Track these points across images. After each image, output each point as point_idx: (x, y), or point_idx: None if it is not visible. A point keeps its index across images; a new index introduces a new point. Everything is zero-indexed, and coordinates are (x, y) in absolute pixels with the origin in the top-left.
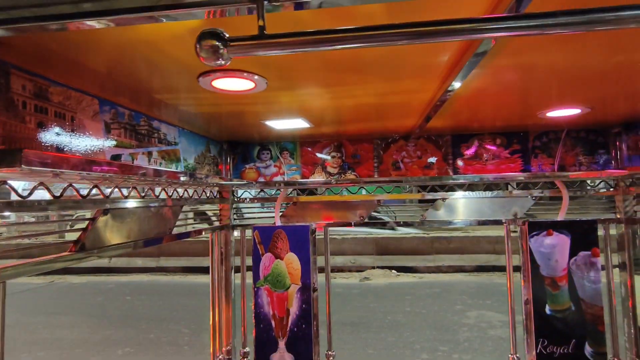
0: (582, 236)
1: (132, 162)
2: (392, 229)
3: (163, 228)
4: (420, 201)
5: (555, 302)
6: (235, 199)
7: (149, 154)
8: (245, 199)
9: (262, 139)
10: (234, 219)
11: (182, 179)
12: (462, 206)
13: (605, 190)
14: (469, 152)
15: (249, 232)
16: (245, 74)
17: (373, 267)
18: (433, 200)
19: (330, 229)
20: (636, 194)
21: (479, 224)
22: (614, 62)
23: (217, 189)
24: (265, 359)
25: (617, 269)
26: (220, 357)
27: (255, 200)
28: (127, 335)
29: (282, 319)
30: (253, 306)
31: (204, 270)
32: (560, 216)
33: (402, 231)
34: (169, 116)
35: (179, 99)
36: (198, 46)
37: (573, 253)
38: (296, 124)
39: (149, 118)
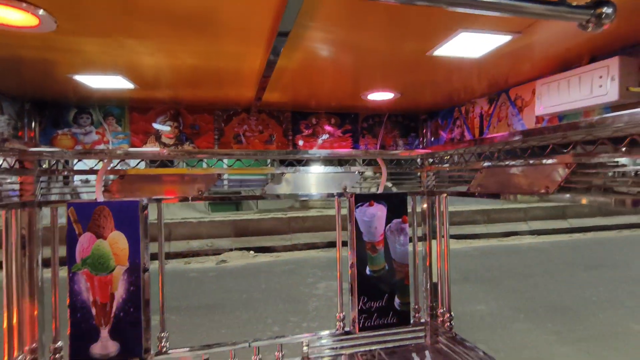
0: (396, 206)
1: None
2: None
3: None
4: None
5: (374, 264)
6: (49, 171)
7: None
8: (58, 170)
9: (80, 100)
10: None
11: None
12: (299, 180)
13: (415, 167)
14: (307, 129)
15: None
16: (23, 4)
17: (231, 250)
18: (273, 175)
19: (184, 215)
20: (435, 171)
21: (314, 196)
22: (421, 52)
23: (15, 157)
24: (84, 351)
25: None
26: (20, 358)
27: (71, 173)
28: None
29: (105, 305)
30: (68, 295)
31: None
32: (380, 189)
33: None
34: None
35: None
36: None
37: (388, 220)
38: (118, 83)
39: None
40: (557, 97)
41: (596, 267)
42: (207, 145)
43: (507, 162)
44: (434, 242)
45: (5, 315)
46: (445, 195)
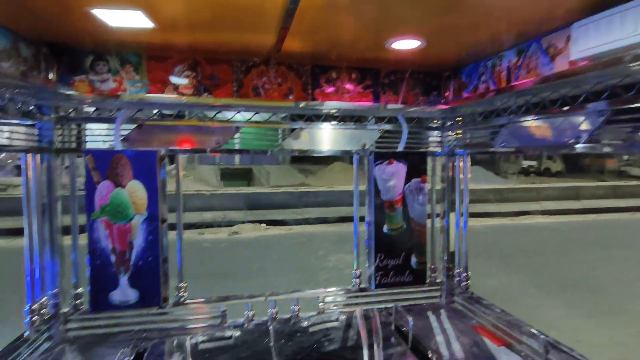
0: (416, 165)
1: None
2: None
3: None
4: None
5: (392, 222)
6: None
7: None
8: (75, 117)
9: (97, 46)
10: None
11: None
12: (318, 137)
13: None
14: (327, 83)
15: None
16: None
17: (243, 222)
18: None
19: (197, 187)
20: (457, 130)
21: (332, 153)
22: None
23: (33, 103)
24: (104, 296)
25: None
26: (43, 300)
27: (89, 121)
28: None
29: (124, 253)
30: (87, 242)
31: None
32: (400, 147)
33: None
34: None
35: None
36: None
37: (407, 179)
38: (137, 20)
39: None
40: (594, 39)
41: (609, 247)
42: (226, 97)
43: (532, 117)
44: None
45: (28, 256)
46: (466, 154)
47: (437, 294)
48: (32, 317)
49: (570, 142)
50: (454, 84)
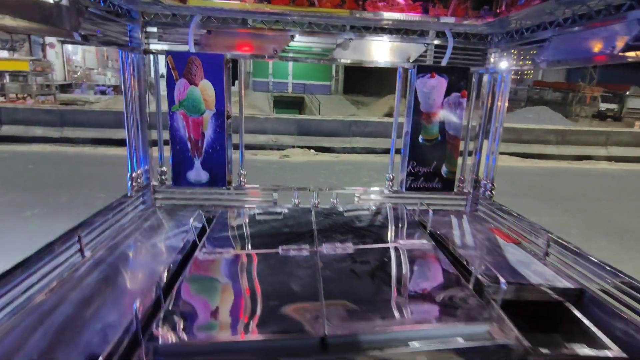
0: (457, 80)
1: None
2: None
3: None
4: None
5: (427, 133)
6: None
7: None
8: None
9: None
10: None
11: None
12: (365, 48)
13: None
14: None
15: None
16: None
17: (293, 147)
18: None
19: (250, 112)
20: (502, 47)
21: (377, 64)
22: None
23: (125, 7)
24: (182, 175)
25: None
26: (138, 171)
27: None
28: (34, 198)
29: (198, 141)
30: (169, 130)
31: (117, 142)
32: (444, 62)
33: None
34: None
35: None
36: None
37: (447, 93)
38: None
39: None
40: None
41: None
42: (283, 4)
43: (578, 27)
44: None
45: (126, 136)
46: (508, 72)
47: (463, 202)
48: (131, 183)
49: (615, 51)
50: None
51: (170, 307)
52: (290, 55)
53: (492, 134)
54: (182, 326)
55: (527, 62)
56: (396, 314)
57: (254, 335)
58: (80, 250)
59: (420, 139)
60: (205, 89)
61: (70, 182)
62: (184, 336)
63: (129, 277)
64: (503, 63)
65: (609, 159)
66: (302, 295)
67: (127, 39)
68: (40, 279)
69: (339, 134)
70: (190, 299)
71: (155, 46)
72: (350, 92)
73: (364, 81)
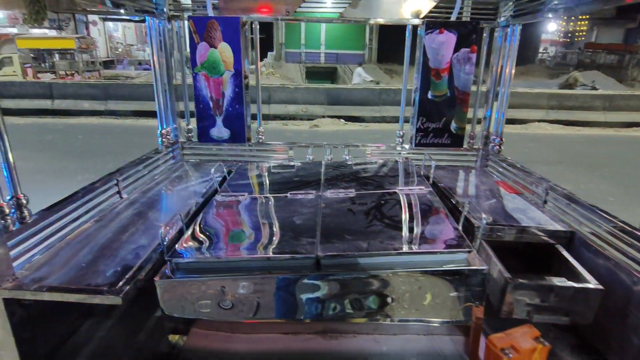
0: (466, 35)
1: None
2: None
3: None
4: None
5: (436, 89)
6: None
7: None
8: None
9: None
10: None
11: None
12: (374, 6)
13: None
14: None
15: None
16: None
17: (323, 116)
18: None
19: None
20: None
21: (386, 22)
22: None
23: None
24: (206, 132)
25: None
26: (167, 129)
27: None
28: (85, 165)
29: (219, 100)
30: (193, 90)
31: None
32: (453, 17)
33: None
34: None
35: None
36: None
37: (456, 49)
38: None
39: None
40: None
41: None
42: None
43: None
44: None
45: (155, 98)
46: (518, 25)
47: (474, 158)
48: (162, 139)
49: None
50: None
51: (190, 233)
52: (303, 16)
53: (501, 90)
54: (198, 247)
55: (536, 14)
56: (384, 242)
57: (258, 254)
58: (119, 192)
59: (429, 95)
60: (223, 51)
61: (116, 151)
62: (200, 255)
63: (158, 213)
64: (512, 16)
65: None
66: (301, 226)
67: (154, 5)
68: (86, 212)
69: (368, 102)
70: (207, 228)
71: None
72: (385, 61)
73: (398, 49)
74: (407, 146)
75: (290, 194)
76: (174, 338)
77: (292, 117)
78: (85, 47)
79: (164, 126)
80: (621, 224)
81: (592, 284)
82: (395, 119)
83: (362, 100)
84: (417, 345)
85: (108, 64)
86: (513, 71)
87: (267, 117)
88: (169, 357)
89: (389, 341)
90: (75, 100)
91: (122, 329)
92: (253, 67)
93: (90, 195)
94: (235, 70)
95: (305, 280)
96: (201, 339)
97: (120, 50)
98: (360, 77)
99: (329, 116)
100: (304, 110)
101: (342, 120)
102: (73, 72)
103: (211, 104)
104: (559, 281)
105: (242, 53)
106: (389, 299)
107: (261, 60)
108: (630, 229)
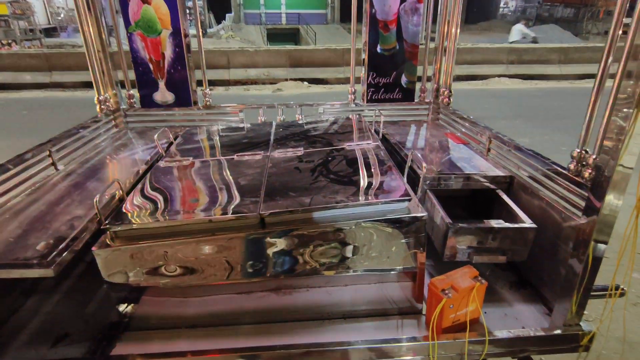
0: None
1: None
2: None
3: None
4: None
5: (385, 42)
6: None
7: None
8: None
9: None
10: None
11: None
12: None
13: None
14: None
15: None
16: None
17: (286, 80)
18: None
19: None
20: None
21: None
22: None
23: None
24: (149, 97)
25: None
26: (105, 95)
27: None
28: (32, 143)
29: (159, 62)
30: (130, 52)
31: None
32: None
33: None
34: None
35: None
36: None
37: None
38: None
39: None
40: None
41: None
42: None
43: None
44: (446, 25)
45: (89, 65)
46: None
47: (425, 112)
48: (100, 106)
49: None
50: None
51: (130, 200)
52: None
53: (449, 41)
54: (138, 214)
55: None
56: (327, 196)
57: (200, 217)
58: (53, 164)
59: (378, 48)
60: (158, 7)
61: (67, 126)
62: (139, 220)
63: (98, 183)
64: None
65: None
66: (246, 187)
67: None
68: (15, 186)
69: (332, 64)
70: (148, 194)
71: None
72: (349, 20)
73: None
74: (360, 102)
75: (237, 155)
76: (124, 307)
77: (254, 82)
78: (20, 13)
79: (102, 93)
80: (555, 167)
81: (527, 223)
82: (358, 80)
83: (325, 62)
84: (367, 293)
85: (50, 31)
86: (459, 22)
87: (227, 83)
88: (119, 325)
89: (340, 292)
90: (15, 73)
91: (70, 303)
92: (212, 30)
93: (19, 167)
94: (174, 28)
95: (249, 239)
96: (152, 306)
97: (62, 16)
98: (521, 33)
99: (292, 79)
100: (265, 74)
101: (305, 82)
102: (10, 41)
103: (151, 66)
104: (496, 223)
105: (179, 9)
106: (335, 252)
107: (219, 23)
108: (561, 170)
